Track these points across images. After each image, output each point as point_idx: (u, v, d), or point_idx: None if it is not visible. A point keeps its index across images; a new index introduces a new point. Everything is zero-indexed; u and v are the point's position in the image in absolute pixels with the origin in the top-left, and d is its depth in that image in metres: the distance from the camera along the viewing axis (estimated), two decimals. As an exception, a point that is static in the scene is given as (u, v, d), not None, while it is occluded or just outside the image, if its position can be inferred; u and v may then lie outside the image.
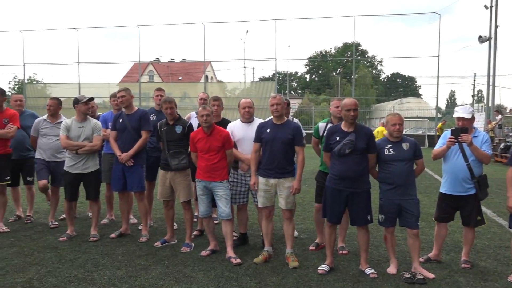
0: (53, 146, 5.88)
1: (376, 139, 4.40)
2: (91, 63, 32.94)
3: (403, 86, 73.53)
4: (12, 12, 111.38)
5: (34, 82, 40.12)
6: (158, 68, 49.71)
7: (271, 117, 4.67)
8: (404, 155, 4.22)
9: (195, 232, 5.56)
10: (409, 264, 4.38)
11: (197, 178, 4.80)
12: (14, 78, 49.50)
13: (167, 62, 48.07)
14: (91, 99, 5.61)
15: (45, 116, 5.99)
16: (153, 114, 5.91)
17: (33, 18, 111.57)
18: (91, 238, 5.33)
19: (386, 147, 4.25)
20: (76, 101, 5.43)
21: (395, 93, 64.39)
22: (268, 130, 4.57)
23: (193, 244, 5.08)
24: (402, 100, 40.02)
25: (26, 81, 35.94)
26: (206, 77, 36.52)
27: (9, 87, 47.85)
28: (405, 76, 72.62)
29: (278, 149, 4.50)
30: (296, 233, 5.41)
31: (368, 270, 4.26)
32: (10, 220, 6.28)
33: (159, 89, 6.12)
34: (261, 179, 4.62)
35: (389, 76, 72.18)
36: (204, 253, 4.81)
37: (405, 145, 4.24)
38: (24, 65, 30.94)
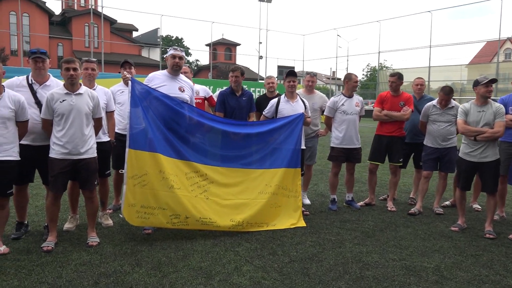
0: (443, 132, 5.64)
1: None
2: (442, 45, 31.69)
3: None
4: (370, 4, 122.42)
5: (384, 68, 42.81)
6: (518, 44, 43.07)
7: None
8: None
9: None
10: None
11: None
12: (368, 65, 54.75)
13: (532, 36, 40.86)
14: (494, 80, 5.00)
15: (434, 102, 5.79)
16: None
17: (389, 7, 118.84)
18: (487, 235, 4.82)
19: None
20: (476, 83, 4.98)
21: None
22: None
23: None
24: None
25: (377, 67, 38.80)
26: None
27: (362, 74, 53.41)
28: None
29: None
30: None
31: None
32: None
33: None
34: None
35: None
36: None
37: None
38: (379, 52, 33.35)
